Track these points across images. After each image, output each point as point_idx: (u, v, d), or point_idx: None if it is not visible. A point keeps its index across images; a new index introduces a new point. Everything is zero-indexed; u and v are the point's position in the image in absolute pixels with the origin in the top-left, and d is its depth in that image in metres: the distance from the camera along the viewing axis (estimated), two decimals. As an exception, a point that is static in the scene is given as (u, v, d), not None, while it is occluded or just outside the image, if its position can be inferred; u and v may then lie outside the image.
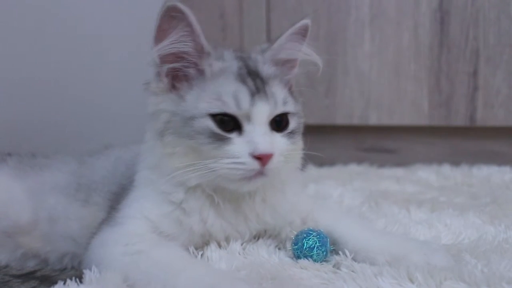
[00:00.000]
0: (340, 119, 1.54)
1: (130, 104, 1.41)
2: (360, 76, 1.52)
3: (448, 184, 1.25)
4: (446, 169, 1.40)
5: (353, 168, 1.49)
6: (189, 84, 0.67)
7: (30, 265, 0.76)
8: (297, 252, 0.67)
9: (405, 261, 0.62)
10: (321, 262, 0.66)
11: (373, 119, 1.52)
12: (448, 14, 1.44)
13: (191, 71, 0.68)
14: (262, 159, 0.63)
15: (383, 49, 1.50)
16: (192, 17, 0.64)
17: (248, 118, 0.65)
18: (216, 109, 0.64)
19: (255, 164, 0.63)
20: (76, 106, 1.27)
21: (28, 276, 0.70)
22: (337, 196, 1.07)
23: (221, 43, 1.61)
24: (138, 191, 0.70)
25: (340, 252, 0.67)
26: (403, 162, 1.51)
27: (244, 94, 0.65)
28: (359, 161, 1.55)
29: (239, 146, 0.64)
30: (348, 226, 0.71)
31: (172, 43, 0.66)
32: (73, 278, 0.61)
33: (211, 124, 0.64)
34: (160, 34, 0.65)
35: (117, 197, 0.74)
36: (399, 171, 1.41)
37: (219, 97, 0.65)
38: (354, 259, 0.65)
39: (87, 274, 0.60)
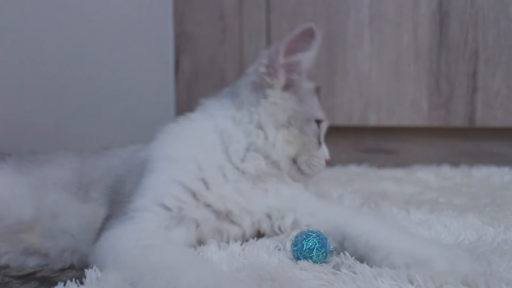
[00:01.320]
0: (340, 120, 1.54)
1: (130, 105, 1.41)
2: (360, 77, 1.52)
3: (448, 185, 1.25)
4: (446, 170, 1.40)
5: (353, 169, 1.49)
6: (293, 90, 0.82)
7: (31, 261, 0.76)
8: (297, 254, 0.67)
9: (428, 266, 0.59)
10: (320, 263, 0.66)
11: (373, 120, 1.52)
12: (448, 16, 1.45)
13: (298, 81, 0.83)
14: (327, 163, 0.84)
15: (382, 50, 1.50)
16: (319, 43, 0.81)
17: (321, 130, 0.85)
18: (322, 118, 0.84)
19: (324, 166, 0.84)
20: (77, 107, 1.27)
21: (28, 277, 0.70)
22: (336, 197, 1.07)
23: (221, 44, 1.62)
24: (158, 174, 0.72)
25: (341, 253, 0.67)
26: (402, 163, 1.51)
27: None
28: (359, 162, 1.55)
29: (322, 151, 0.84)
30: (362, 221, 0.70)
31: (307, 58, 0.81)
32: (73, 279, 0.61)
33: (318, 128, 0.82)
34: (293, 44, 0.80)
35: (114, 190, 0.75)
36: (398, 172, 1.41)
37: (320, 108, 0.85)
38: (364, 257, 0.63)
39: (88, 275, 0.60)
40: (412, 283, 0.55)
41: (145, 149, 0.79)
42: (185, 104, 1.65)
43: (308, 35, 0.79)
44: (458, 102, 1.46)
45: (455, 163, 1.45)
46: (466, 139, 1.51)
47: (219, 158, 0.76)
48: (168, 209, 0.69)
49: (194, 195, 0.71)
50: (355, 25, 1.51)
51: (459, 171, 1.38)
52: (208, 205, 0.72)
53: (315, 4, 1.53)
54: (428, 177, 1.33)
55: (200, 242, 0.73)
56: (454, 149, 1.52)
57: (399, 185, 1.24)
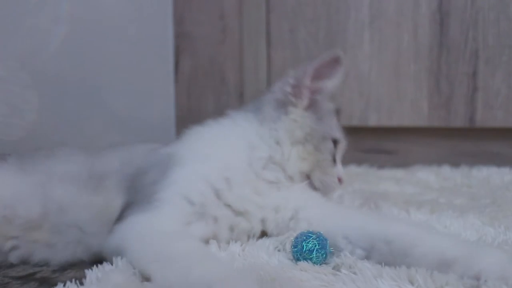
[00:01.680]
0: (340, 120, 1.54)
1: (130, 105, 1.41)
2: (360, 77, 1.52)
3: (448, 185, 1.25)
4: (446, 170, 1.40)
5: (353, 169, 1.49)
6: (314, 109, 0.85)
7: (36, 254, 0.75)
8: (297, 255, 0.67)
9: (478, 264, 0.56)
10: (320, 264, 0.66)
11: (373, 120, 1.52)
12: (448, 16, 1.45)
13: (320, 102, 0.86)
14: (339, 181, 0.86)
15: (382, 50, 1.50)
16: (344, 70, 0.88)
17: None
18: (339, 137, 0.88)
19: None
20: (77, 107, 1.27)
21: (27, 277, 0.70)
22: (336, 198, 1.07)
23: (221, 44, 1.62)
24: (185, 169, 0.74)
25: (341, 254, 0.67)
26: (402, 163, 1.51)
27: None
28: (359, 162, 1.55)
29: (336, 169, 0.86)
30: (389, 220, 0.74)
31: (332, 83, 0.87)
32: (73, 279, 0.61)
33: (333, 147, 0.86)
34: (321, 70, 0.86)
35: (134, 178, 0.76)
36: (398, 172, 1.41)
37: (338, 128, 0.89)
38: (398, 253, 0.62)
39: (88, 275, 0.60)
40: (412, 283, 0.55)
41: (168, 147, 0.82)
42: (185, 104, 1.64)
43: (334, 61, 0.87)
44: (458, 102, 1.46)
45: (455, 163, 1.45)
46: (466, 139, 1.51)
47: (244, 162, 0.79)
48: (192, 203, 0.71)
49: (217, 193, 0.74)
50: (355, 25, 1.51)
51: (459, 171, 1.38)
52: (228, 205, 0.75)
53: (315, 4, 1.53)
54: (428, 177, 1.33)
55: (215, 236, 0.75)
56: (454, 149, 1.52)
57: (399, 185, 1.24)
